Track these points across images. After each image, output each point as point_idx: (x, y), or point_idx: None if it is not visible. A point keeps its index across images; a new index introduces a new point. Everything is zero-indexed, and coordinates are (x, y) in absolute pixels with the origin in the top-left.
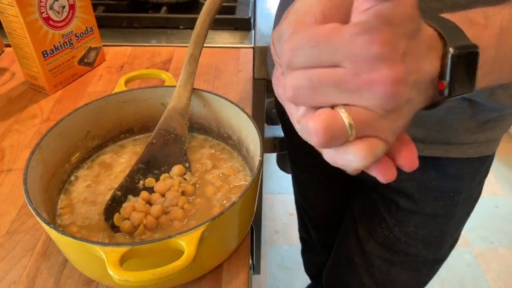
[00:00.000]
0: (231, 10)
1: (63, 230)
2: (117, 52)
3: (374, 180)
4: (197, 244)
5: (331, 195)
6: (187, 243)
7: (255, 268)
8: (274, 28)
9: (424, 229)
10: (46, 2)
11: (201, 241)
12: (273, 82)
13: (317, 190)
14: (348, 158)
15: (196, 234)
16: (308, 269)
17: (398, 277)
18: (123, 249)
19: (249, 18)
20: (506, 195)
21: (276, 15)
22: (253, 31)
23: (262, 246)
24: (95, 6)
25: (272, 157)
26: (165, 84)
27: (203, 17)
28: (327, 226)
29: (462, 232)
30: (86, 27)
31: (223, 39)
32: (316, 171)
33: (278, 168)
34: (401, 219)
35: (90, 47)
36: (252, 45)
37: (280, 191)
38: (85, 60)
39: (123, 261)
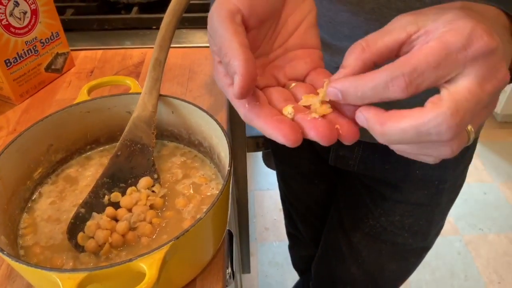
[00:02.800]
0: (204, 8)
1: (25, 251)
2: (87, 57)
3: (358, 170)
4: (159, 266)
5: (316, 187)
6: (148, 266)
7: (245, 268)
8: None
9: (410, 218)
10: (5, 9)
11: (166, 261)
12: (213, 72)
13: (301, 183)
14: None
15: (159, 255)
16: (296, 264)
17: (386, 266)
18: (80, 275)
19: None
20: (493, 182)
21: None
22: None
23: (252, 244)
24: (63, 9)
25: (259, 153)
26: (131, 91)
27: (168, 19)
28: (314, 219)
29: (452, 220)
30: (52, 33)
31: (197, 38)
32: (299, 164)
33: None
34: (387, 209)
35: (57, 53)
36: None
37: (269, 187)
38: (53, 67)
39: (82, 287)
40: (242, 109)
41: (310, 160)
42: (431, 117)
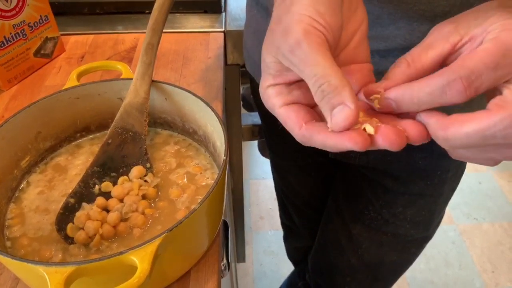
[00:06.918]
0: None
1: (12, 243)
2: (77, 41)
3: (359, 162)
4: (151, 260)
5: (312, 180)
6: (140, 259)
7: (240, 257)
8: (247, 21)
9: (412, 209)
10: None
11: (159, 254)
12: (260, 91)
13: (297, 175)
14: None
15: (151, 248)
16: (291, 255)
17: (387, 257)
18: (68, 269)
19: (219, 0)
20: (488, 171)
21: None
22: (223, 14)
23: (247, 233)
24: None
25: (255, 142)
26: (122, 76)
27: (160, 1)
28: (310, 211)
29: (446, 210)
30: (41, 16)
31: (192, 23)
32: (295, 157)
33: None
34: (388, 201)
35: (47, 37)
36: (223, 29)
37: (265, 176)
38: (42, 52)
39: (69, 282)
40: (298, 129)
41: (308, 153)
42: (496, 120)
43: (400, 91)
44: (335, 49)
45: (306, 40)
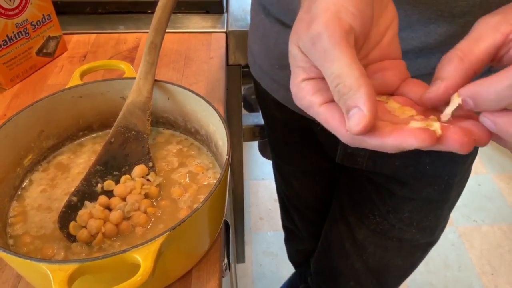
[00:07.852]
0: None
1: (14, 241)
2: (79, 41)
3: (366, 168)
4: (155, 258)
5: (317, 184)
6: (143, 257)
7: (239, 257)
8: (254, 25)
9: (419, 214)
10: None
11: (162, 252)
12: (292, 89)
13: (301, 179)
14: None
15: (154, 246)
16: (292, 258)
17: (392, 261)
18: (71, 267)
19: (221, 1)
20: (488, 173)
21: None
22: (225, 14)
23: (247, 233)
24: None
25: (255, 143)
26: (125, 75)
27: (164, 0)
28: (313, 214)
29: None
30: (43, 15)
31: (194, 23)
32: (299, 161)
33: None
34: (395, 206)
35: (49, 36)
36: (225, 30)
37: (264, 177)
38: (44, 51)
39: (72, 280)
40: (345, 131)
41: (314, 158)
42: None
43: (475, 88)
44: (366, 42)
45: (327, 32)
